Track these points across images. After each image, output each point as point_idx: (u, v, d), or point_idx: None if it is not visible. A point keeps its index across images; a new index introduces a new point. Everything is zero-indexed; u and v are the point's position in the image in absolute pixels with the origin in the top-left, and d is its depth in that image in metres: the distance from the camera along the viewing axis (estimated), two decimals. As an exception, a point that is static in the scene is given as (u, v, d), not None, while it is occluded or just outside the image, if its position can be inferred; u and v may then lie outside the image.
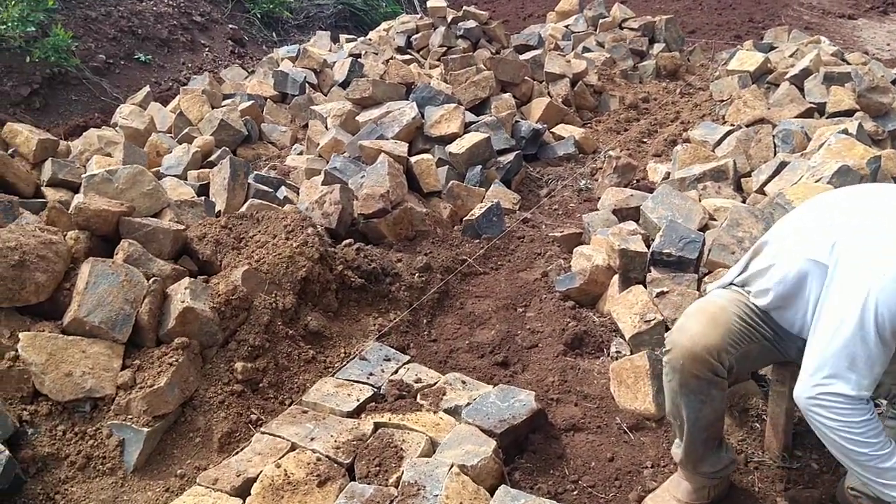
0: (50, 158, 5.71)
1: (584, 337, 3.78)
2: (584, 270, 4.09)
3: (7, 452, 2.75)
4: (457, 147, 5.52)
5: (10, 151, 5.88)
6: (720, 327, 2.32)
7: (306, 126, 7.10)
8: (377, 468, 2.77)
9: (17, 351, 3.08)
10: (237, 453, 2.96)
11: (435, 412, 3.09)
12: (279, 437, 2.97)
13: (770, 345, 2.42)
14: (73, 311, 3.20)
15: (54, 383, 3.03)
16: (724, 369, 2.31)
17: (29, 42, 7.91)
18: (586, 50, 8.76)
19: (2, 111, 7.43)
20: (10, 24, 7.59)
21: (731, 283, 2.54)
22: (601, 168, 5.92)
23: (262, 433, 3.01)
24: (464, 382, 3.32)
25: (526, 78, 7.01)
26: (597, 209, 5.04)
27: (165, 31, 9.77)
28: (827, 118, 5.81)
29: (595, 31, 9.36)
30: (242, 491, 2.70)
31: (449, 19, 9.01)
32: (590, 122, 7.24)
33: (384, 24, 10.26)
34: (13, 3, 7.73)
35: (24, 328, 3.18)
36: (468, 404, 3.11)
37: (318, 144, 5.95)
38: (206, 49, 10.17)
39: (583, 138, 6.46)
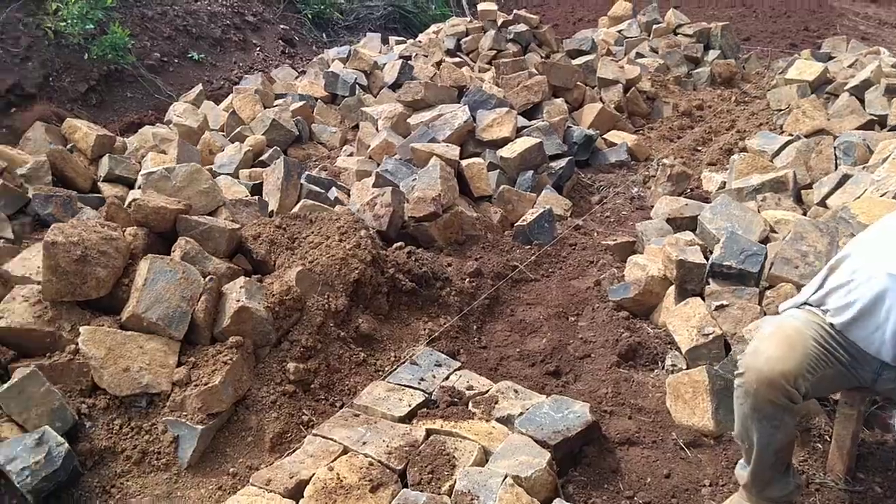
0: (107, 154, 5.82)
1: (637, 348, 3.71)
2: (639, 280, 4.02)
3: (66, 445, 2.79)
4: (508, 151, 5.48)
5: (68, 146, 6.00)
6: (797, 352, 2.24)
7: (356, 127, 7.13)
8: (429, 476, 2.74)
9: (77, 344, 3.12)
10: (289, 454, 2.96)
11: (487, 421, 3.06)
12: (331, 439, 2.96)
13: (845, 370, 2.33)
14: (131, 306, 3.23)
15: (112, 378, 3.07)
16: (799, 395, 2.24)
17: (88, 39, 8.05)
18: (639, 56, 8.66)
19: (60, 107, 7.57)
20: (70, 22, 7.74)
21: (806, 303, 2.46)
22: (654, 176, 5.83)
23: (314, 435, 3.00)
24: (516, 391, 3.27)
25: (578, 83, 6.95)
26: (650, 218, 4.96)
27: (218, 31, 9.89)
28: (889, 131, 5.65)
29: (648, 36, 9.24)
30: (295, 493, 2.69)
31: (499, 23, 8.97)
32: (642, 129, 7.14)
33: (434, 27, 10.26)
34: (73, 1, 7.88)
35: (84, 322, 3.23)
36: (521, 414, 3.07)
37: (369, 146, 5.96)
38: (258, 49, 10.26)
39: (635, 145, 6.38)
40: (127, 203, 4.59)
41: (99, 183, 5.74)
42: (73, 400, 3.04)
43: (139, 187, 5.60)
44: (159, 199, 3.75)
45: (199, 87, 8.36)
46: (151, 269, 3.29)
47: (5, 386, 2.87)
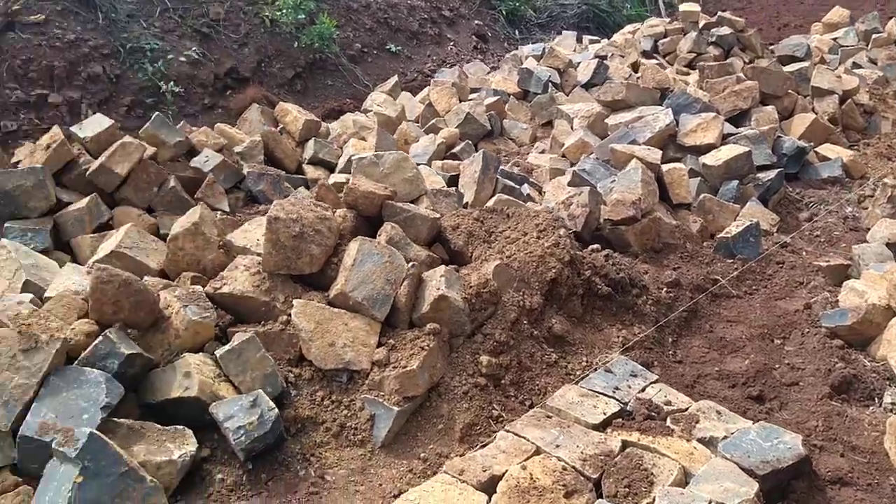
0: (313, 138, 6.13)
1: (853, 381, 3.41)
2: (857, 308, 3.69)
3: (276, 410, 2.94)
4: (712, 159, 5.22)
5: (278, 129, 6.37)
6: None
7: (546, 124, 7.09)
8: (626, 489, 2.65)
9: (289, 316, 3.29)
10: (481, 447, 2.96)
11: (688, 440, 2.91)
12: (524, 438, 2.93)
13: None
14: (339, 285, 3.36)
15: (319, 351, 3.20)
16: None
17: (298, 28, 8.52)
18: (856, 66, 7.98)
19: (269, 91, 8.07)
20: (285, 11, 8.23)
21: None
22: (871, 196, 5.35)
23: (507, 431, 2.98)
24: (719, 413, 3.10)
25: (789, 91, 6.50)
26: (866, 240, 4.57)
27: (416, 24, 10.16)
28: None
29: (867, 46, 8.51)
30: (487, 486, 2.69)
31: (701, 25, 8.59)
32: (857, 144, 6.58)
33: (629, 27, 10.01)
34: (289, -9, 8.39)
35: (296, 295, 3.40)
36: (725, 437, 2.89)
37: (563, 144, 5.89)
38: (451, 43, 10.45)
39: (850, 161, 5.89)
40: (331, 183, 4.78)
41: (304, 165, 6.05)
42: (281, 368, 3.20)
43: (339, 171, 5.86)
44: (368, 183, 3.87)
45: (395, 78, 8.63)
46: (360, 251, 3.41)
47: (226, 348, 3.07)
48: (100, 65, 6.98)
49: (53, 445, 2.53)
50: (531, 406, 3.30)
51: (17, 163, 4.89)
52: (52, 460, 2.54)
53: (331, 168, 6.07)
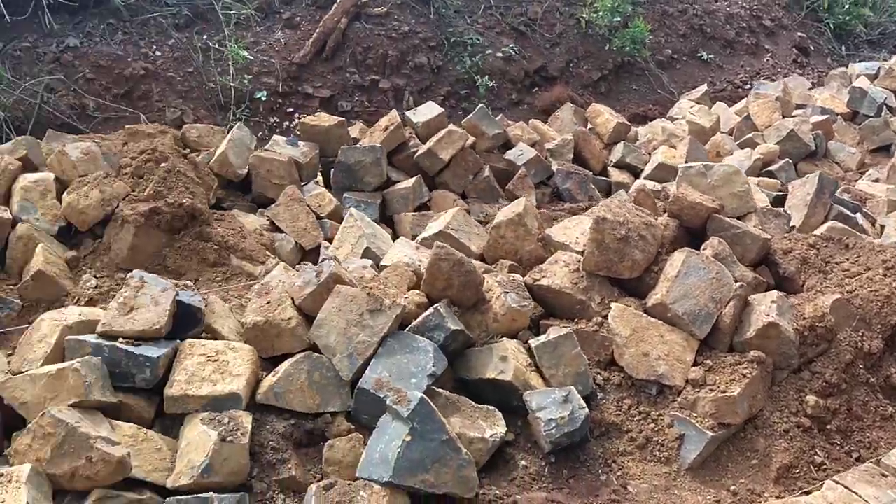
0: (622, 142, 6.05)
1: None
2: None
3: (587, 410, 2.92)
4: None
5: (588, 129, 6.38)
6: None
7: (877, 150, 6.41)
8: None
9: (604, 318, 3.25)
10: (802, 493, 2.72)
11: None
12: (855, 493, 2.64)
13: None
14: (659, 295, 3.25)
15: (632, 358, 3.13)
16: None
17: (611, 31, 8.47)
18: None
19: (574, 91, 8.11)
20: (601, 14, 8.21)
21: None
22: None
23: (835, 483, 2.71)
24: None
25: None
26: None
27: (732, 33, 9.64)
28: None
29: None
30: (813, 538, 2.46)
31: None
32: None
33: None
34: (607, -6, 8.35)
35: (612, 299, 3.35)
36: None
37: (906, 175, 5.25)
38: (768, 55, 9.78)
39: None
40: (644, 189, 4.67)
41: (609, 167, 6.00)
42: (591, 368, 3.17)
43: (645, 177, 5.73)
44: (696, 194, 3.72)
45: (705, 87, 8.28)
46: (685, 263, 3.27)
47: (542, 339, 3.11)
48: (425, 56, 7.46)
49: (388, 402, 2.72)
50: (859, 459, 2.98)
51: (356, 140, 5.37)
52: (385, 415, 2.73)
53: (636, 173, 5.95)
